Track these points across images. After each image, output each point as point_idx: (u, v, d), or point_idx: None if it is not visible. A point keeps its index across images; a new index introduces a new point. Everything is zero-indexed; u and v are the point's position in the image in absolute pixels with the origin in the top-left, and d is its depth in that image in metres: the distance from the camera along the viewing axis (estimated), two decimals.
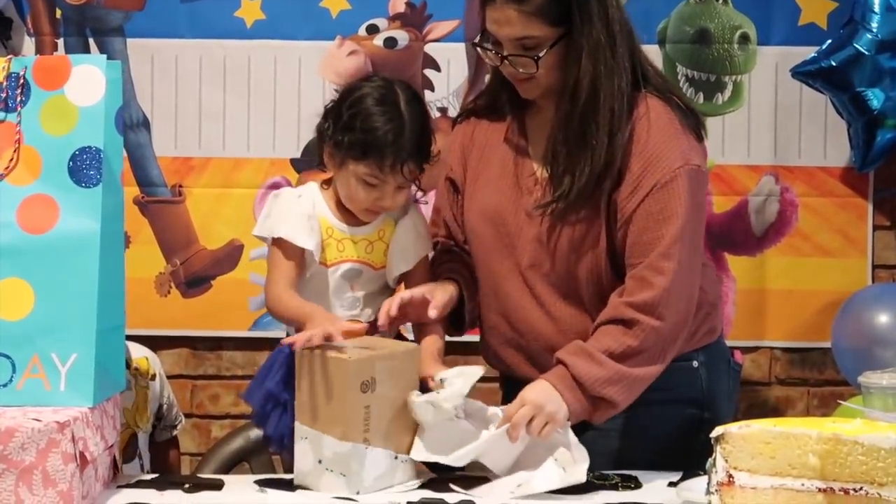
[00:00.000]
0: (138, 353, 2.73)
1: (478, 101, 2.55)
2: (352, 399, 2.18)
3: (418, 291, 2.39)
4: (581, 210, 2.33)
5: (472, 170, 2.49)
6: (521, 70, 2.32)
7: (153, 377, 2.69)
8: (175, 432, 2.70)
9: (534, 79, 2.33)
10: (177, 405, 2.75)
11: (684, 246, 2.30)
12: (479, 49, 2.39)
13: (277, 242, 2.39)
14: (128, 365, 2.65)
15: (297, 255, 2.38)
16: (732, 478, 1.91)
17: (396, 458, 2.23)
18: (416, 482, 2.29)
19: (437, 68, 3.53)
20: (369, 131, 2.32)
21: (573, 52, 2.29)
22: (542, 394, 2.26)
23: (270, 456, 2.88)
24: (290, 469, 2.39)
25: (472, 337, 2.55)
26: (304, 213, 2.39)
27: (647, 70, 2.38)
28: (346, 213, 2.43)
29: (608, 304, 2.33)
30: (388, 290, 2.48)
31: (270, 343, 2.73)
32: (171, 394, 2.74)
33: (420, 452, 2.25)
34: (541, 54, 2.29)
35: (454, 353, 2.60)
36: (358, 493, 2.17)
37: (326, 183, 2.45)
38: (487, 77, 2.58)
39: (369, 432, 2.19)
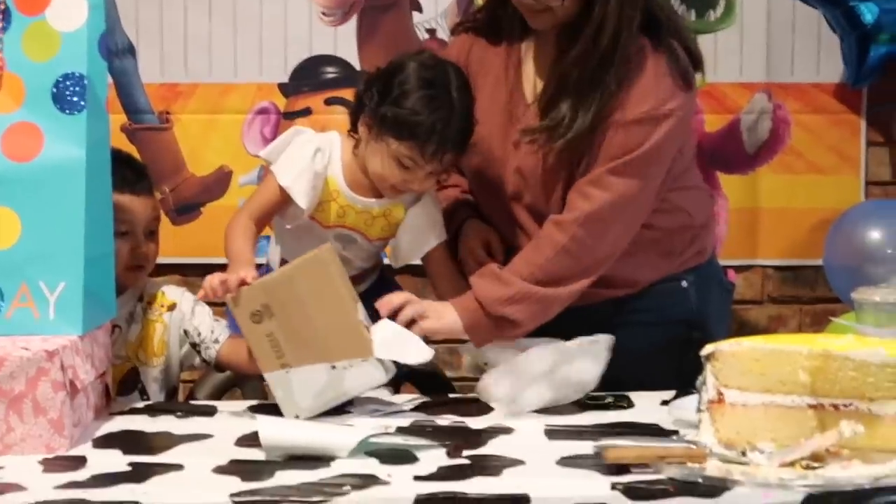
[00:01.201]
0: (159, 288, 2.70)
1: (477, 16, 2.49)
2: (248, 331, 2.19)
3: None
4: (561, 145, 2.30)
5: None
6: (539, 2, 2.26)
7: (171, 308, 2.66)
8: (218, 345, 2.64)
9: (550, 11, 2.27)
10: (216, 323, 2.69)
11: (624, 180, 2.27)
12: None
13: (273, 177, 2.37)
14: (140, 298, 2.64)
15: (286, 200, 2.36)
16: (722, 395, 1.91)
17: (334, 367, 2.18)
18: (410, 403, 2.29)
19: None
20: (417, 114, 2.27)
21: None
22: (433, 303, 2.31)
23: (263, 382, 2.87)
24: None
25: None
26: (314, 169, 2.35)
27: (659, 14, 2.31)
28: (359, 181, 2.39)
29: None
30: (378, 260, 2.47)
31: (261, 269, 2.71)
32: (208, 316, 2.68)
33: (379, 350, 2.22)
34: None
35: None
36: (297, 416, 2.17)
37: (356, 147, 2.40)
38: None
39: (286, 357, 2.18)
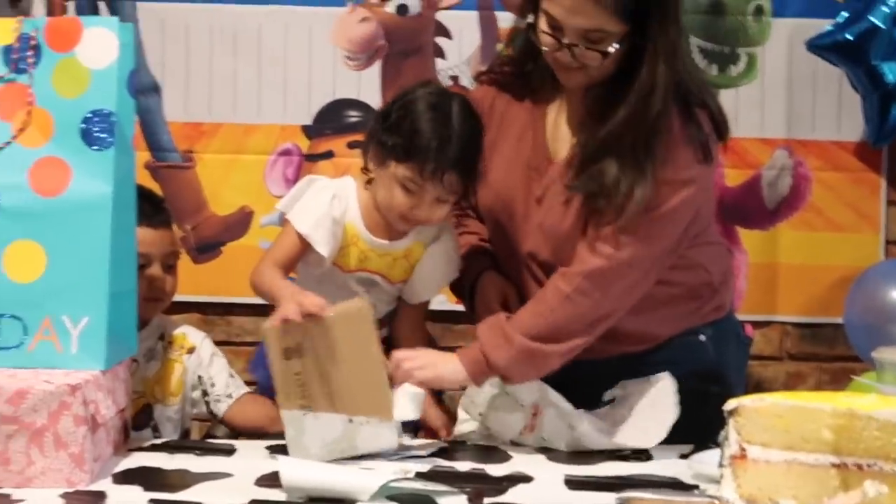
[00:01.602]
0: (180, 329, 2.71)
1: (505, 69, 2.48)
2: (277, 365, 2.19)
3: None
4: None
5: (488, 140, 2.46)
6: (578, 60, 2.23)
7: (190, 351, 2.67)
8: (230, 401, 2.65)
9: (584, 71, 2.25)
10: (231, 379, 2.71)
11: (634, 239, 2.26)
12: (531, 31, 2.28)
13: (293, 229, 2.37)
14: (161, 337, 2.64)
15: (306, 247, 2.37)
16: (745, 451, 1.90)
17: (351, 421, 2.19)
18: (428, 448, 2.28)
19: (449, 36, 3.51)
20: (415, 133, 2.28)
21: (647, 52, 2.19)
22: (430, 355, 2.34)
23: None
24: None
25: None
26: (331, 216, 2.36)
27: (689, 82, 2.28)
28: (377, 223, 2.40)
29: None
30: (398, 302, 2.48)
31: None
32: (225, 370, 2.70)
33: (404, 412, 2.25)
34: (610, 50, 2.20)
35: (446, 322, 2.59)
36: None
37: (369, 183, 2.41)
38: (499, 46, 2.55)
39: (307, 399, 2.19)
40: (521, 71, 2.42)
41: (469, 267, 2.49)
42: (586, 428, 2.30)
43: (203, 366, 2.66)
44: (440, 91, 2.37)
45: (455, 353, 2.33)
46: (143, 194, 2.59)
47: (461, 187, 2.34)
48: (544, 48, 2.27)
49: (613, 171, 2.23)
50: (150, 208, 2.59)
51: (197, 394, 2.64)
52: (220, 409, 2.64)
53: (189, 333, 2.69)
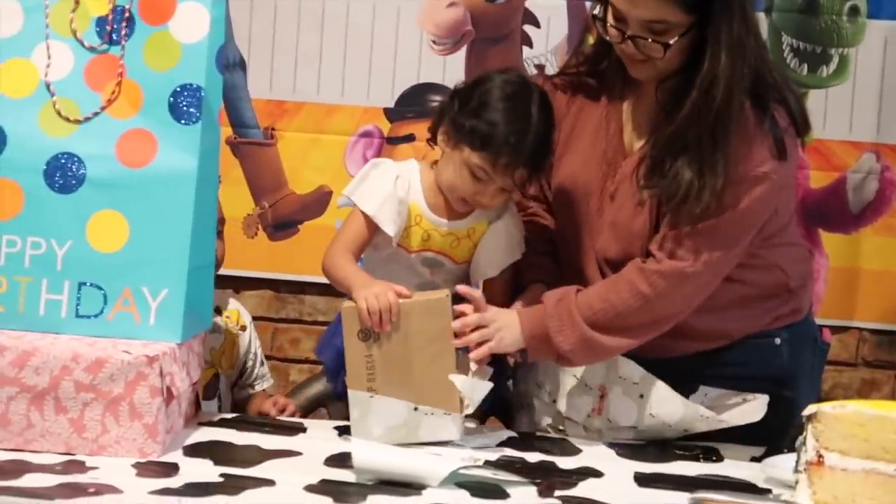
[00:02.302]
0: (232, 304, 2.74)
1: (580, 69, 2.46)
2: (350, 346, 2.20)
3: None
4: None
5: (567, 130, 2.44)
6: (642, 52, 2.24)
7: (243, 328, 2.70)
8: (253, 391, 2.69)
9: (651, 62, 2.25)
10: (263, 366, 2.74)
11: (712, 242, 2.24)
12: (597, 23, 2.29)
13: (359, 212, 2.37)
14: (219, 311, 2.66)
15: (373, 229, 2.36)
16: (822, 458, 1.87)
17: (416, 409, 2.19)
18: (497, 437, 2.28)
19: (537, 24, 3.48)
20: (493, 125, 2.27)
21: (709, 44, 2.18)
22: (501, 320, 2.28)
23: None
24: None
25: None
26: (396, 196, 2.36)
27: (765, 73, 2.26)
28: (440, 203, 2.39)
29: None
30: (467, 281, 2.47)
31: None
32: (260, 353, 2.74)
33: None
34: (671, 41, 2.19)
35: None
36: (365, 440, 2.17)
37: (436, 162, 2.41)
38: (587, 37, 2.53)
39: (376, 381, 2.19)
40: (597, 69, 2.41)
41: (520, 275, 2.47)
42: (658, 392, 2.28)
43: (251, 349, 2.70)
44: (521, 81, 2.35)
45: (518, 319, 2.29)
46: None
47: (529, 179, 2.34)
48: (610, 40, 2.27)
49: (688, 173, 2.20)
50: None
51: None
52: (245, 393, 2.68)
53: (241, 311, 2.73)
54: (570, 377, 2.39)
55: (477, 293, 2.31)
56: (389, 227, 2.34)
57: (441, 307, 2.22)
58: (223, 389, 2.65)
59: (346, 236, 2.39)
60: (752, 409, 2.33)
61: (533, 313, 2.29)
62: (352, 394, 2.20)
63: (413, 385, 2.20)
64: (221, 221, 2.68)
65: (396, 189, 2.36)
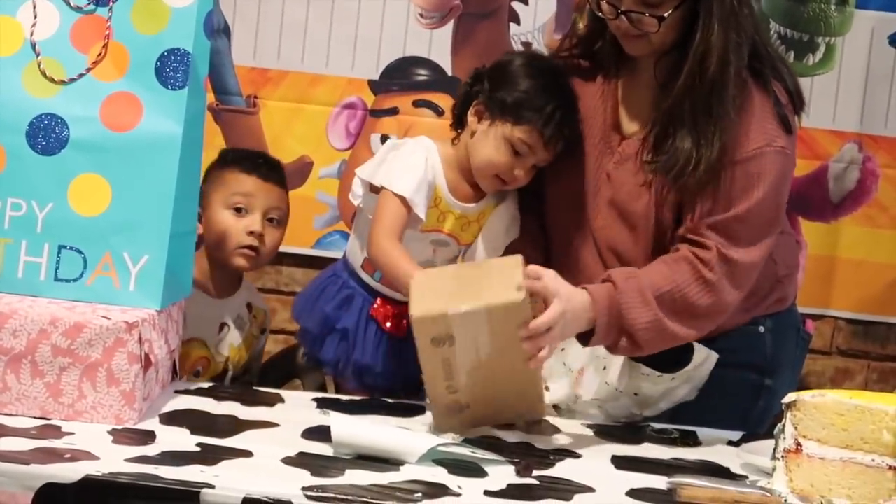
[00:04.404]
0: (260, 304, 2.72)
1: (573, 51, 2.45)
2: (424, 351, 2.09)
3: None
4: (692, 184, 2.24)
5: None
6: (637, 28, 2.24)
7: (262, 331, 2.69)
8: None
9: (646, 38, 2.25)
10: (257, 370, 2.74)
11: (756, 228, 2.25)
12: (590, 1, 2.29)
13: (391, 195, 2.34)
14: (249, 308, 2.65)
15: (407, 213, 2.35)
16: (800, 446, 1.88)
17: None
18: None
19: (525, 1, 3.47)
20: (536, 98, 2.30)
21: (701, 15, 2.19)
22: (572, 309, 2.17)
23: (324, 376, 2.87)
24: (341, 391, 2.39)
25: None
26: (427, 179, 2.35)
27: (760, 47, 2.28)
28: (457, 185, 2.40)
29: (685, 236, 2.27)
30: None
31: (331, 263, 2.71)
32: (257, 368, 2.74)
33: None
34: (665, 14, 2.20)
35: None
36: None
37: (456, 139, 2.41)
38: (574, 16, 2.52)
39: (454, 381, 2.12)
40: (591, 50, 2.40)
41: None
42: (616, 361, 2.29)
43: (261, 353, 2.69)
44: (545, 58, 2.42)
45: (589, 298, 2.18)
46: (265, 157, 2.69)
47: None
48: (603, 16, 2.27)
49: (686, 143, 2.21)
50: (266, 166, 2.62)
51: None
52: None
53: (267, 314, 2.71)
54: (557, 364, 2.38)
55: (547, 278, 2.15)
56: (422, 211, 2.34)
57: (521, 308, 2.08)
58: (226, 384, 2.65)
59: (386, 221, 2.34)
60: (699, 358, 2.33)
61: (603, 290, 2.20)
62: (433, 397, 2.15)
63: (496, 389, 2.14)
64: (280, 211, 2.62)
65: (426, 172, 2.36)
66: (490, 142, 2.33)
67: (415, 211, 2.33)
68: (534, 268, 2.13)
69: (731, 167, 2.22)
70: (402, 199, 2.33)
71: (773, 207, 2.27)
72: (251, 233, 2.54)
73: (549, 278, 2.13)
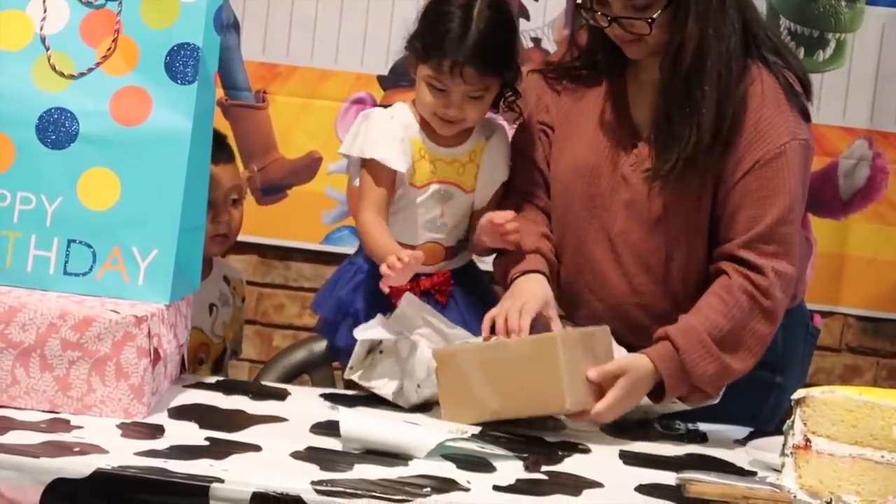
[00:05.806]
0: (234, 274, 2.73)
1: (575, 63, 2.44)
2: (444, 380, 2.16)
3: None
4: (684, 181, 2.25)
5: (562, 118, 2.43)
6: (630, 32, 2.25)
7: (243, 299, 2.69)
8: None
9: (642, 40, 2.26)
10: (239, 346, 2.74)
11: (793, 230, 2.25)
12: (582, 12, 2.29)
13: (368, 165, 2.36)
14: (227, 281, 2.65)
15: (388, 179, 2.36)
16: (810, 442, 1.88)
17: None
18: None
19: None
20: (436, 32, 2.31)
21: (682, 12, 2.21)
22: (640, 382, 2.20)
23: (332, 371, 2.88)
24: (350, 386, 2.39)
25: None
26: (396, 135, 2.36)
27: (758, 32, 2.29)
28: (437, 134, 2.40)
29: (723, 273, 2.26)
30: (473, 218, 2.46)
31: (340, 259, 2.71)
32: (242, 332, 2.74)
33: None
34: (654, 16, 2.21)
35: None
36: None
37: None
38: (579, 22, 2.50)
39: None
40: (593, 61, 2.41)
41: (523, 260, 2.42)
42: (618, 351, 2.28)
43: (242, 318, 2.70)
44: None
45: (651, 365, 2.20)
46: None
47: (487, 81, 2.33)
48: (596, 25, 2.28)
49: (684, 129, 2.23)
50: (214, 145, 2.58)
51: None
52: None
53: (243, 281, 2.72)
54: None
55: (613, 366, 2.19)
56: (399, 164, 2.34)
57: (552, 346, 2.11)
58: (228, 364, 2.65)
59: (367, 195, 2.37)
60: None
61: (665, 352, 2.21)
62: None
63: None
64: (238, 189, 2.63)
65: (393, 129, 2.37)
66: (419, 86, 2.36)
67: (390, 167, 2.33)
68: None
69: (759, 168, 2.23)
70: (376, 163, 2.34)
71: (803, 203, 2.29)
72: (218, 222, 2.55)
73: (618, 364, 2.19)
